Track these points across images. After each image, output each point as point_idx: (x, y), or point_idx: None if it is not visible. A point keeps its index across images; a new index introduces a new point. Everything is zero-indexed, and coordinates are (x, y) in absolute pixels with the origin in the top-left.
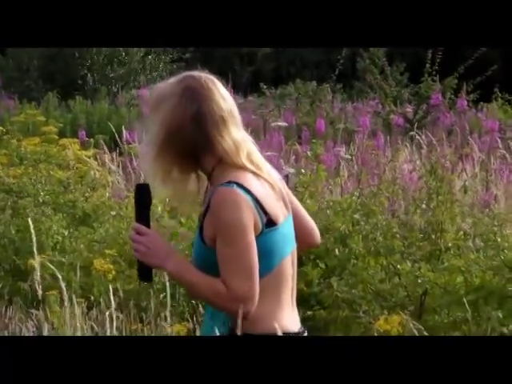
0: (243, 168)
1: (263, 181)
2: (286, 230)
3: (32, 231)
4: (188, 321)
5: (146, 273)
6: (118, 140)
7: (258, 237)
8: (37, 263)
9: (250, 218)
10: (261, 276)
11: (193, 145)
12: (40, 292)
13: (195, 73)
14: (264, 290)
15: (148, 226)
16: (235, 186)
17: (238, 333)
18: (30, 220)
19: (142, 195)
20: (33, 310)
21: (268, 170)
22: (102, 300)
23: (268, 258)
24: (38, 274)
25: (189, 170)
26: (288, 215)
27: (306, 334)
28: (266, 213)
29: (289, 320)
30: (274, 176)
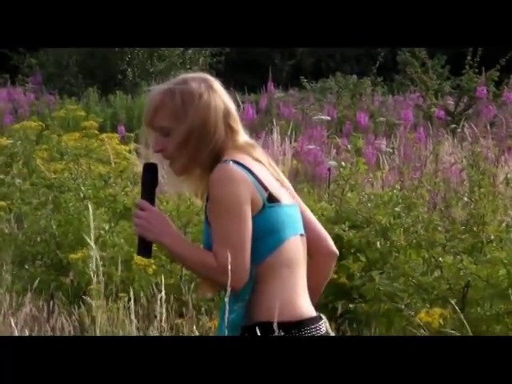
0: (246, 153)
1: (265, 168)
2: (292, 212)
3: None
4: None
5: (145, 248)
6: None
7: (259, 212)
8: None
9: (244, 192)
10: (268, 252)
11: (221, 140)
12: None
13: (199, 73)
14: (279, 270)
15: (152, 204)
16: (231, 162)
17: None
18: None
19: (149, 174)
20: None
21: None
22: (142, 294)
23: (274, 234)
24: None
25: (209, 165)
26: (295, 202)
27: (323, 320)
28: (265, 188)
29: (308, 304)
30: (282, 175)
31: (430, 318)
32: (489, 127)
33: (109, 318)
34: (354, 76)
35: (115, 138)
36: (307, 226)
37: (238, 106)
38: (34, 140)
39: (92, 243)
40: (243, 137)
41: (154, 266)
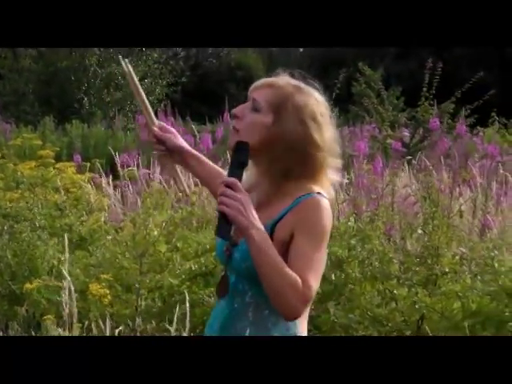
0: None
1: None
2: None
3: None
4: None
5: (226, 230)
6: (116, 163)
7: None
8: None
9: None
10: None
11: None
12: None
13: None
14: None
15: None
16: (326, 200)
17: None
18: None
19: (240, 153)
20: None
21: None
22: (95, 325)
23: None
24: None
25: (278, 175)
26: None
27: None
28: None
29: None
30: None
31: None
32: (442, 160)
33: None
34: None
35: (72, 167)
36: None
37: (194, 135)
38: None
39: (66, 274)
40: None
41: (109, 297)
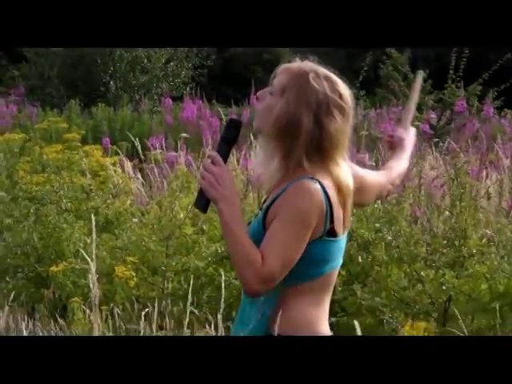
0: (331, 173)
1: (337, 189)
2: (343, 244)
3: None
4: (210, 327)
5: (203, 202)
6: (140, 147)
7: (315, 241)
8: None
9: (314, 218)
10: (303, 280)
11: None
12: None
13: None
14: (310, 293)
15: (225, 160)
16: (318, 183)
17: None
18: None
19: (230, 130)
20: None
21: (346, 174)
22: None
23: (320, 265)
24: None
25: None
26: (348, 227)
27: None
28: (332, 222)
29: (326, 326)
30: (350, 182)
31: (414, 332)
32: (469, 142)
33: (89, 331)
34: None
35: (99, 150)
36: (375, 185)
37: (220, 119)
38: (17, 152)
39: (91, 259)
40: (333, 147)
41: (135, 279)
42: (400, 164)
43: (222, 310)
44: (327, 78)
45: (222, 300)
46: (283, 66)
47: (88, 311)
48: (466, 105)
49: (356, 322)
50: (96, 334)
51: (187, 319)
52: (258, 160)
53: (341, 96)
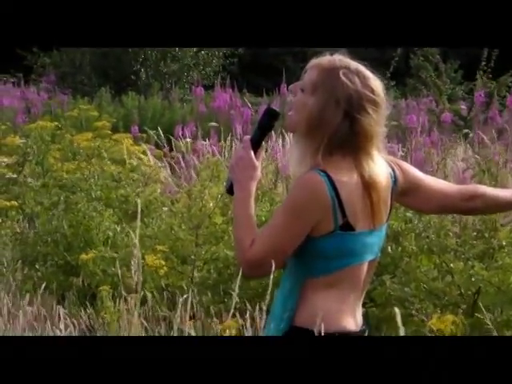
0: (354, 166)
1: (362, 183)
2: (366, 239)
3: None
4: (241, 316)
5: (228, 184)
6: (173, 135)
7: (329, 234)
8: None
9: (312, 211)
10: (323, 273)
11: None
12: None
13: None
14: (329, 286)
15: (257, 147)
16: (324, 175)
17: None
18: None
19: (266, 118)
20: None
21: (377, 169)
22: (152, 296)
23: (335, 259)
24: None
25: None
26: (381, 226)
27: (365, 331)
28: (344, 215)
29: (349, 320)
30: (381, 177)
31: (442, 325)
32: (494, 133)
33: (119, 319)
34: None
35: (129, 139)
36: (438, 201)
37: (249, 108)
38: (48, 140)
39: (136, 240)
40: (366, 141)
41: (165, 268)
42: (491, 193)
43: (267, 301)
44: (358, 73)
45: (269, 291)
46: (313, 62)
47: (121, 299)
48: (483, 96)
49: (397, 310)
50: (125, 320)
51: (232, 309)
52: (292, 158)
53: (372, 90)
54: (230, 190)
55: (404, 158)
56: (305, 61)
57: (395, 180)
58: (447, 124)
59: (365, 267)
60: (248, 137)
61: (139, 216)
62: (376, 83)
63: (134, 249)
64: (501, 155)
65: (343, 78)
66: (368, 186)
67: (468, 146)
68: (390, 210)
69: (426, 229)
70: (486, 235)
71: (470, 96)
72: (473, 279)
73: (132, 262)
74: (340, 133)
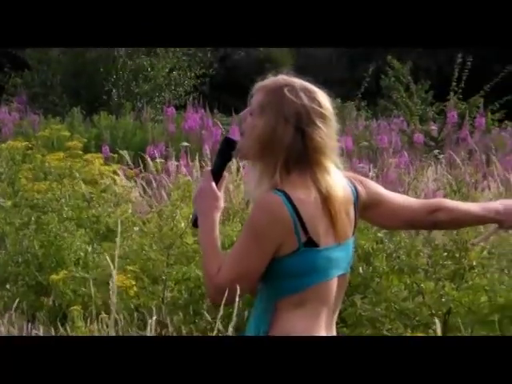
0: (312, 182)
1: (320, 198)
2: (333, 255)
3: None
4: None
5: (195, 218)
6: (144, 155)
7: (293, 253)
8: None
9: (276, 232)
10: (292, 292)
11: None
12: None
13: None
14: (300, 305)
15: (218, 177)
16: (282, 195)
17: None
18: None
19: (225, 148)
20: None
21: (334, 182)
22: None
23: (303, 277)
24: None
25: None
26: (346, 240)
27: None
28: (306, 232)
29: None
30: (339, 190)
31: None
32: (468, 154)
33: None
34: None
35: (100, 159)
36: (402, 215)
37: (220, 127)
38: (19, 160)
39: (115, 262)
40: (320, 155)
41: (135, 288)
42: (456, 206)
43: (233, 323)
44: (303, 89)
45: (235, 313)
46: (258, 85)
47: (92, 319)
48: (456, 116)
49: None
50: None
51: None
52: (250, 182)
53: (320, 104)
54: (195, 223)
55: (375, 179)
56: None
57: (357, 194)
58: (419, 144)
59: (334, 283)
60: (209, 168)
61: (119, 236)
62: (322, 97)
63: (112, 270)
64: (472, 176)
65: (288, 94)
66: (326, 199)
67: (439, 166)
68: (355, 225)
69: (396, 249)
70: (457, 255)
71: (440, 117)
72: (443, 299)
73: (110, 283)
74: (293, 149)
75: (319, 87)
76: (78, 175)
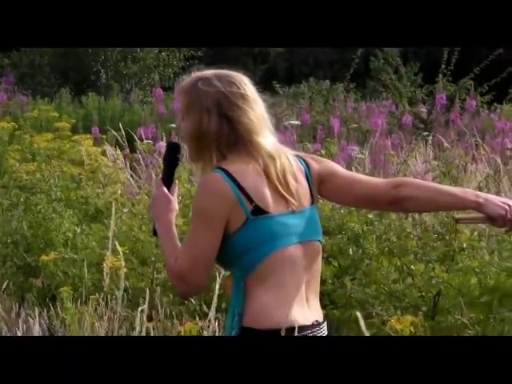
0: (247, 155)
1: (261, 170)
2: (289, 221)
3: None
4: (200, 319)
5: (154, 226)
6: (131, 137)
7: (243, 225)
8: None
9: (220, 207)
10: (254, 265)
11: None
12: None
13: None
14: (265, 279)
15: (169, 182)
16: (219, 171)
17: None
18: None
19: (171, 153)
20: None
21: (272, 153)
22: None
23: (259, 246)
24: None
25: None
26: (302, 208)
27: (322, 327)
28: (251, 200)
29: (298, 313)
30: (276, 155)
31: (400, 325)
32: (457, 136)
33: (79, 321)
34: (327, 81)
35: (88, 140)
36: (361, 188)
37: None
38: (7, 141)
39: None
40: (251, 134)
41: (125, 269)
42: (421, 183)
43: (215, 304)
44: (218, 77)
45: (216, 293)
46: (177, 90)
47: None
48: (445, 98)
49: (359, 314)
50: (87, 322)
51: None
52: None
53: (238, 86)
54: (155, 232)
55: (365, 161)
56: (264, 63)
57: (308, 167)
58: (408, 127)
59: (296, 251)
60: (160, 176)
61: (113, 218)
62: (238, 78)
63: (106, 251)
64: (461, 158)
65: (203, 86)
66: (265, 168)
67: (428, 148)
68: (312, 196)
69: (386, 231)
70: (447, 237)
71: (429, 99)
72: (433, 281)
73: (104, 265)
74: (223, 135)
75: (310, 70)
76: (66, 156)
